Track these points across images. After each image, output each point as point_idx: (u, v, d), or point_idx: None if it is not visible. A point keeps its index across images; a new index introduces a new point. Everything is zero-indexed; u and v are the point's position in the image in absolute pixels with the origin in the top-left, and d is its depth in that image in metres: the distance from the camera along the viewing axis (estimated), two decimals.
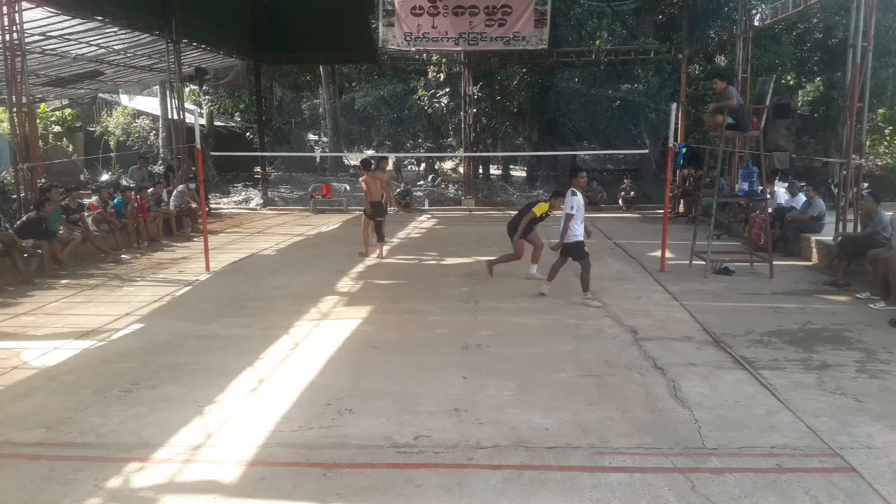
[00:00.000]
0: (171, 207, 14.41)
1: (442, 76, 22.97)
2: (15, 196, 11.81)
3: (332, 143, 29.22)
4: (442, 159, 30.97)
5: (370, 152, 32.96)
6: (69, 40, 14.25)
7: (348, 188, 21.83)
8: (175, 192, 14.79)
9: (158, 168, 21.91)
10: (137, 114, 27.78)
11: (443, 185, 25.02)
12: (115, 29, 14.14)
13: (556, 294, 8.88)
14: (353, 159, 31.80)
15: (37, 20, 12.35)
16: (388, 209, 12.93)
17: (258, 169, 23.80)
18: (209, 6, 16.82)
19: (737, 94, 10.23)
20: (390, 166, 15.89)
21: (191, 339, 7.01)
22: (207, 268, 10.50)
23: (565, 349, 6.62)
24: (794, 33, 21.93)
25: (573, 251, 8.48)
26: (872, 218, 9.14)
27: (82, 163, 23.85)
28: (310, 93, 31.98)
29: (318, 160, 30.15)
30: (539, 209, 9.57)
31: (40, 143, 15.31)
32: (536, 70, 22.24)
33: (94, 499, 3.96)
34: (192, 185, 15.11)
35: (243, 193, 22.95)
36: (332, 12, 19.23)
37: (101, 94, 24.75)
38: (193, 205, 14.72)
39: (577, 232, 8.37)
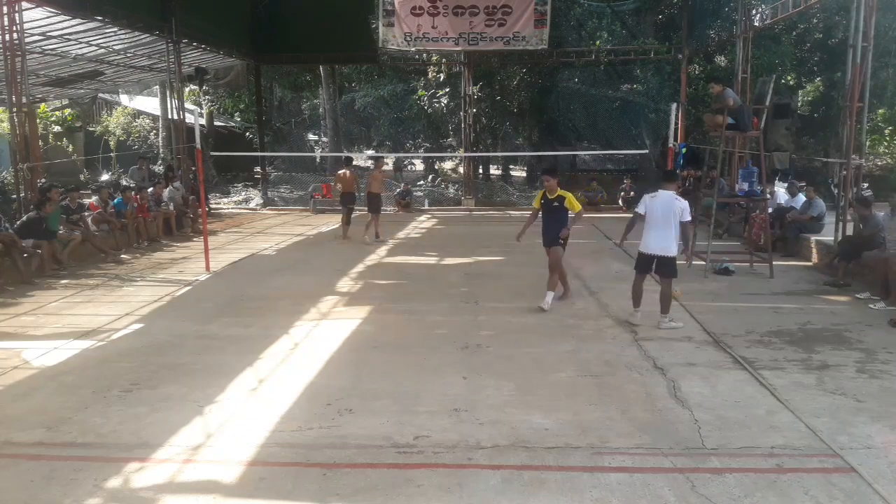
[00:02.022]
0: (171, 208, 14.40)
1: (442, 76, 22.97)
2: (15, 196, 11.81)
3: (332, 143, 29.20)
4: (442, 159, 30.96)
5: (370, 152, 32.99)
6: (69, 40, 14.24)
7: None
8: (167, 194, 14.76)
9: (158, 168, 21.91)
10: (137, 114, 27.77)
11: (443, 186, 25.02)
12: (115, 29, 14.14)
13: (555, 294, 8.87)
14: (353, 159, 31.75)
15: (37, 20, 12.35)
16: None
17: (258, 169, 23.81)
18: (209, 6, 16.82)
19: (734, 96, 10.24)
20: (389, 166, 16.30)
21: (191, 339, 7.01)
22: (207, 268, 10.50)
23: (565, 349, 6.62)
24: (794, 33, 21.94)
25: (643, 265, 7.51)
26: (868, 220, 9.17)
27: (82, 163, 23.84)
28: (310, 93, 31.97)
29: (318, 160, 30.16)
30: (535, 201, 8.48)
31: (40, 143, 15.30)
32: (536, 70, 22.23)
33: (94, 499, 3.96)
34: (177, 184, 15.19)
35: (243, 193, 22.95)
36: (332, 12, 19.23)
37: (101, 94, 24.72)
38: (189, 212, 14.78)
39: (645, 241, 7.39)
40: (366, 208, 13.69)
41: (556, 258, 8.10)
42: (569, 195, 8.08)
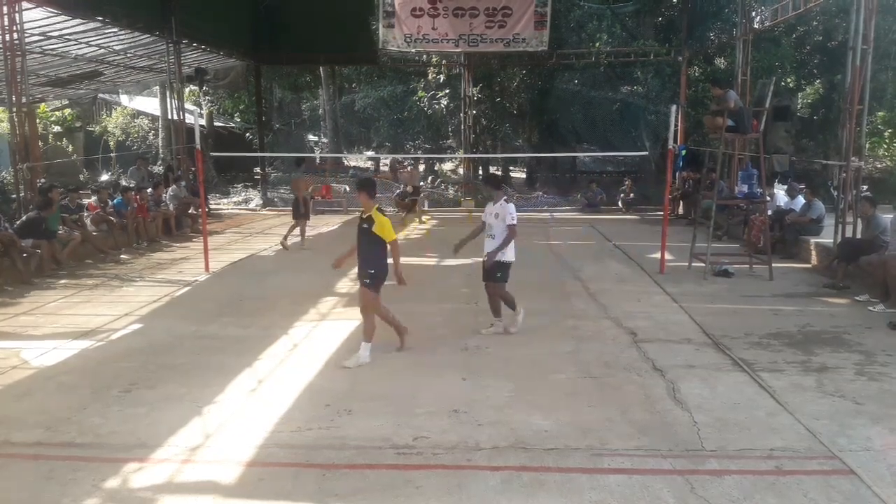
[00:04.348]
0: (171, 208, 14.40)
1: (442, 77, 22.98)
2: (15, 196, 11.80)
3: (331, 145, 29.21)
4: (442, 160, 30.99)
5: (370, 153, 32.98)
6: (69, 40, 14.25)
7: (348, 189, 21.82)
8: (170, 193, 14.76)
9: (158, 168, 21.89)
10: (137, 114, 27.77)
11: (442, 187, 25.01)
12: (115, 29, 14.14)
13: (555, 295, 8.88)
14: (352, 160, 31.77)
15: (37, 20, 12.35)
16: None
17: (258, 170, 23.82)
18: (209, 7, 16.82)
19: (735, 98, 10.24)
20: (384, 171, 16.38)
21: (190, 340, 7.01)
22: (207, 268, 10.49)
23: (565, 350, 6.62)
24: (794, 36, 21.97)
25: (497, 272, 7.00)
26: (870, 221, 9.17)
27: (82, 163, 23.82)
28: (309, 93, 31.97)
29: (317, 161, 30.17)
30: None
31: (40, 143, 15.29)
32: (536, 72, 22.25)
33: (93, 499, 3.96)
34: (183, 183, 15.18)
35: (243, 194, 22.94)
36: (333, 13, 19.23)
37: (100, 95, 24.73)
38: (191, 210, 14.76)
39: (512, 251, 6.98)
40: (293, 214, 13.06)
41: (365, 301, 6.39)
42: (380, 219, 6.24)
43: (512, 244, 6.92)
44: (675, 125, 10.90)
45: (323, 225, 16.34)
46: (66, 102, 25.40)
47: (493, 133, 25.24)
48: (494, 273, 6.95)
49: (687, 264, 10.47)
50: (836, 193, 11.17)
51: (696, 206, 14.29)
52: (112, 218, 12.35)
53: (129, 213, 12.67)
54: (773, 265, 9.93)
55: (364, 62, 23.18)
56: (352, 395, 5.48)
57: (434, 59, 21.89)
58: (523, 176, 28.28)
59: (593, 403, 5.31)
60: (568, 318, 7.81)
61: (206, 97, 26.87)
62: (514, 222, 6.86)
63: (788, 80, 22.79)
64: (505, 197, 7.05)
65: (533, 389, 5.60)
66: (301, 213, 12.83)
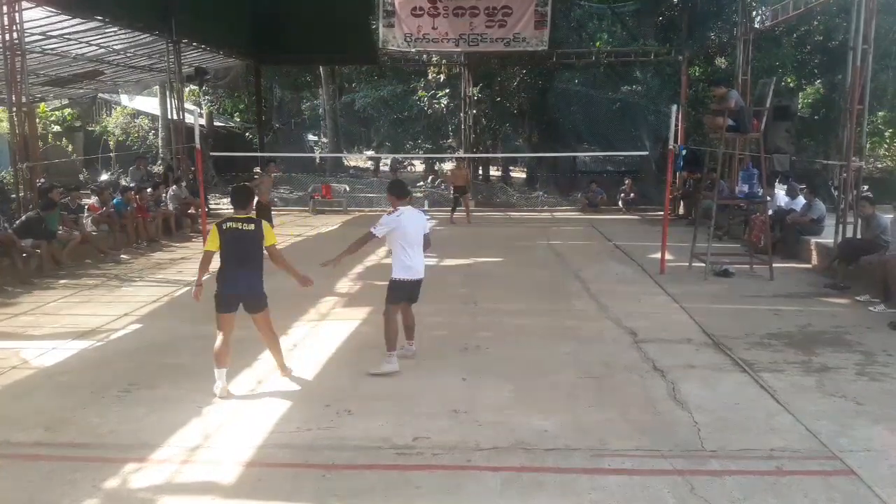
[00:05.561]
0: (171, 208, 14.39)
1: (442, 77, 22.97)
2: (14, 196, 11.79)
3: (331, 144, 29.20)
4: (442, 160, 31.00)
5: (370, 153, 32.99)
6: (69, 40, 14.23)
7: (347, 189, 21.83)
8: (170, 193, 14.75)
9: (158, 168, 21.88)
10: (137, 114, 27.76)
11: (442, 187, 25.00)
12: (115, 29, 14.14)
13: (555, 295, 8.86)
14: (352, 160, 31.76)
15: (37, 20, 12.33)
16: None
17: (258, 169, 23.85)
18: (209, 6, 16.79)
19: (737, 97, 10.22)
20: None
21: (189, 340, 7.00)
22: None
23: (565, 351, 6.61)
24: (795, 35, 21.95)
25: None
26: (870, 221, 9.17)
27: (82, 162, 23.82)
28: (309, 93, 31.96)
29: (317, 161, 30.16)
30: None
31: (40, 142, 15.29)
32: (536, 71, 22.24)
33: (93, 499, 3.95)
34: (183, 184, 15.16)
35: None
36: (333, 13, 19.18)
37: (100, 94, 24.72)
38: (192, 210, 14.74)
39: (412, 265, 6.26)
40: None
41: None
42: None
43: (401, 261, 6.19)
44: (676, 125, 10.90)
45: (322, 225, 16.33)
46: (66, 102, 25.38)
47: (493, 133, 25.25)
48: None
49: (687, 264, 10.45)
50: (836, 193, 11.16)
51: (697, 206, 14.28)
52: (112, 219, 12.34)
53: (129, 213, 12.66)
54: (774, 265, 9.92)
55: (364, 62, 23.16)
56: (351, 395, 5.48)
57: (434, 59, 21.87)
58: (523, 176, 28.29)
59: (593, 404, 5.30)
60: (568, 318, 7.80)
61: (206, 97, 26.86)
62: (374, 230, 6.08)
63: (789, 79, 22.78)
64: (400, 208, 6.18)
65: (533, 390, 5.59)
66: (268, 219, 11.91)
